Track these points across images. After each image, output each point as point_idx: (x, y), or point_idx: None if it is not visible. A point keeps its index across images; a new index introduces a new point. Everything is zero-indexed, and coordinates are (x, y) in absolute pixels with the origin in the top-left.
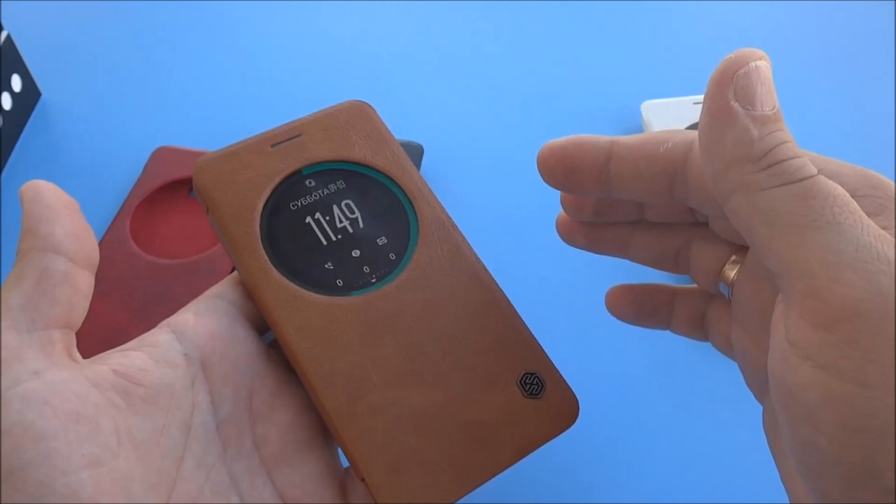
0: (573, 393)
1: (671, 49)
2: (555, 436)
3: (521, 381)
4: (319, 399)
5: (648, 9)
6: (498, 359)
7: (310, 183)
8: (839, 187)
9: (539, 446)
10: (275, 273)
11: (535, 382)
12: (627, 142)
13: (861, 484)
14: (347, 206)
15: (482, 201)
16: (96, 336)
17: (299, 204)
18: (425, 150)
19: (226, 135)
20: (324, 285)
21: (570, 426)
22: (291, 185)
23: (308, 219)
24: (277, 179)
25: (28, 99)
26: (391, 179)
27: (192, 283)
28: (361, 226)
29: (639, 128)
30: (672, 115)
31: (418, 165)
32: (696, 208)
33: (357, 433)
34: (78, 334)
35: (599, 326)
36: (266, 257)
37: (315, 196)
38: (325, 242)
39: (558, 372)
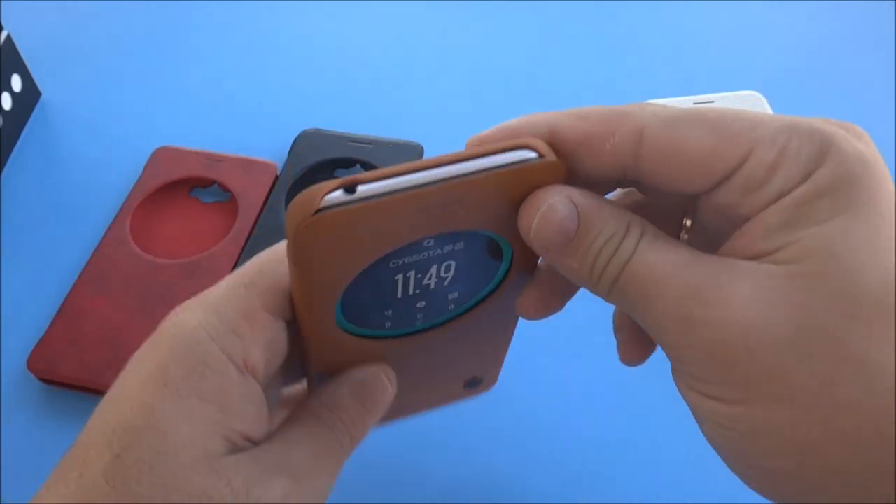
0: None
1: (671, 49)
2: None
3: (467, 382)
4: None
5: (649, 9)
6: (469, 374)
7: (428, 243)
8: (651, 268)
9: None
10: (333, 330)
11: (475, 381)
12: (569, 133)
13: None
14: (447, 266)
15: None
16: (96, 336)
17: (400, 263)
18: (425, 150)
19: (226, 135)
20: (372, 326)
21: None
22: (409, 245)
23: (398, 276)
24: (399, 245)
25: (28, 99)
26: (512, 245)
27: (192, 283)
28: (446, 284)
29: None
30: None
31: None
32: (654, 200)
33: None
34: (78, 333)
35: (598, 326)
36: (334, 316)
37: (423, 256)
38: (399, 296)
39: (498, 373)
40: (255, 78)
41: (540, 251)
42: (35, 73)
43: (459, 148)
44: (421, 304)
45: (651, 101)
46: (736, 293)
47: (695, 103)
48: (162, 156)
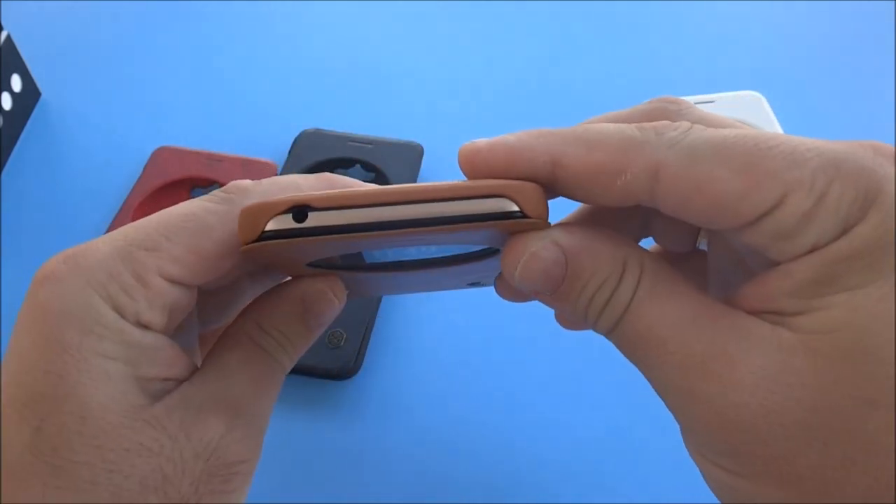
0: None
1: (671, 49)
2: None
3: (470, 283)
4: None
5: (649, 9)
6: (469, 280)
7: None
8: (648, 325)
9: None
10: (303, 269)
11: (478, 283)
12: (574, 166)
13: None
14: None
15: None
16: None
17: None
18: (425, 150)
19: (226, 135)
20: (345, 265)
21: None
22: None
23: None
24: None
25: (28, 99)
26: None
27: None
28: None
29: None
30: None
31: (418, 166)
32: (661, 234)
33: None
34: None
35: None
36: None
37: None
38: (374, 259)
39: None
40: (255, 78)
41: (529, 294)
42: (35, 73)
43: (458, 148)
44: (402, 257)
45: (667, 100)
46: (746, 370)
47: (696, 103)
48: (162, 156)
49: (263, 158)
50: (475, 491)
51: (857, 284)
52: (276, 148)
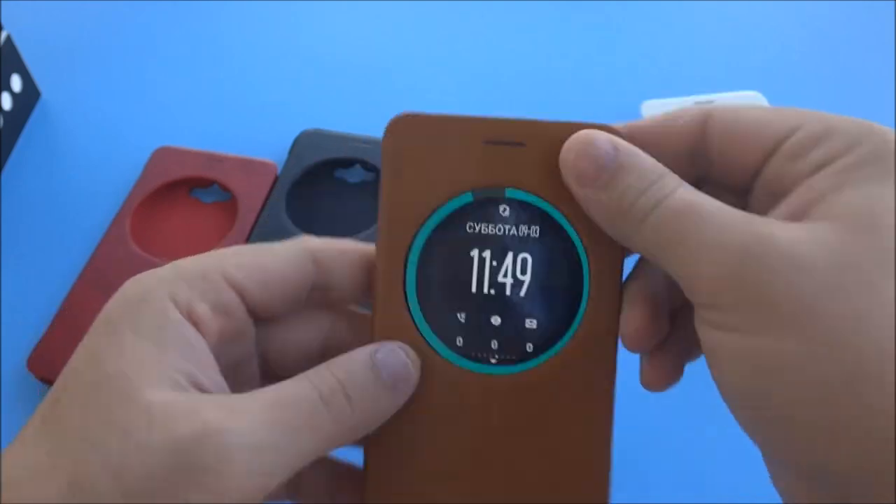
0: None
1: (671, 49)
2: None
3: None
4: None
5: (649, 8)
6: (560, 494)
7: (504, 211)
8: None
9: None
10: (403, 311)
11: None
12: (644, 124)
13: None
14: (523, 261)
15: None
16: None
17: (477, 230)
18: None
19: (226, 135)
20: (443, 333)
21: None
22: (486, 200)
23: (474, 251)
24: (473, 187)
25: (28, 99)
26: (589, 263)
27: None
28: (522, 295)
29: None
30: None
31: None
32: (718, 180)
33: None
34: (78, 333)
35: None
36: (402, 287)
37: (498, 230)
38: (473, 290)
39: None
40: (255, 78)
41: (571, 182)
42: (35, 73)
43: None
44: (496, 321)
45: (652, 101)
46: (782, 232)
47: (695, 103)
48: (162, 156)
49: (263, 158)
50: None
51: (865, 184)
52: (276, 148)
